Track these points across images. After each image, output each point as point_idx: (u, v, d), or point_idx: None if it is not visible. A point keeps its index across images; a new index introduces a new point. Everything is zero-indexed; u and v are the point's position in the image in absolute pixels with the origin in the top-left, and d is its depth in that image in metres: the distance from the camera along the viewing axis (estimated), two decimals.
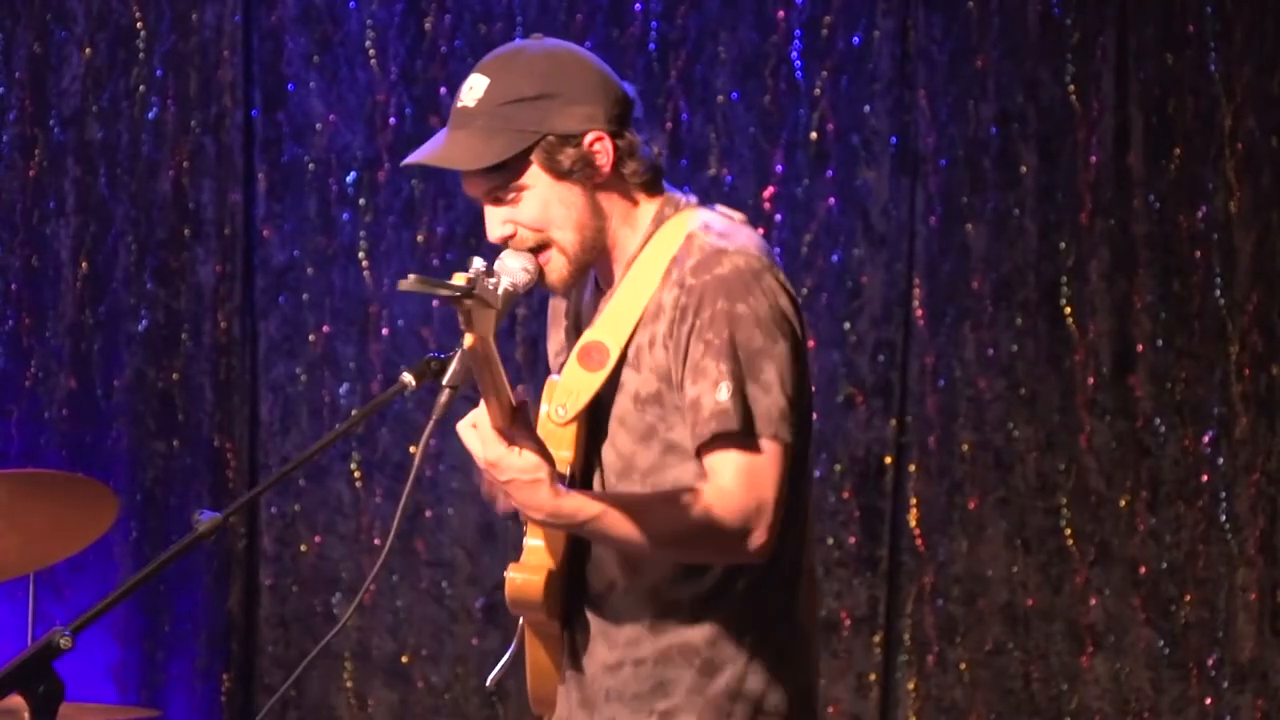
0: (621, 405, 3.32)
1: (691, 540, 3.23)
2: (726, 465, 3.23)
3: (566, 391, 3.30)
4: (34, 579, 5.32)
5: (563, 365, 3.42)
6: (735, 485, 3.22)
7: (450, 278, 2.96)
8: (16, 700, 2.98)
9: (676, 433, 3.30)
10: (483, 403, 3.14)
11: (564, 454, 3.29)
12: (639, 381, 3.30)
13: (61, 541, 5.21)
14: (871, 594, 6.02)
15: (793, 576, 3.37)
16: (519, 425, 3.16)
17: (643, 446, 3.32)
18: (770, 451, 3.24)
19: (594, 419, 3.33)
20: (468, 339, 3.03)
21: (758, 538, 3.23)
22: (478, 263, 3.00)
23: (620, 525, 3.21)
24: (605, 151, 3.30)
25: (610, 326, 3.32)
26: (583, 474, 3.33)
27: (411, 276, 2.92)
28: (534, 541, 3.32)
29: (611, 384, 3.31)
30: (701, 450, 3.25)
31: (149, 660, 6.09)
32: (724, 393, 3.21)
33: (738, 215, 3.40)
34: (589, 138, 3.29)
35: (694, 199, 3.40)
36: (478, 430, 3.16)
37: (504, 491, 3.18)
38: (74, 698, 4.59)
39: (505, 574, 3.31)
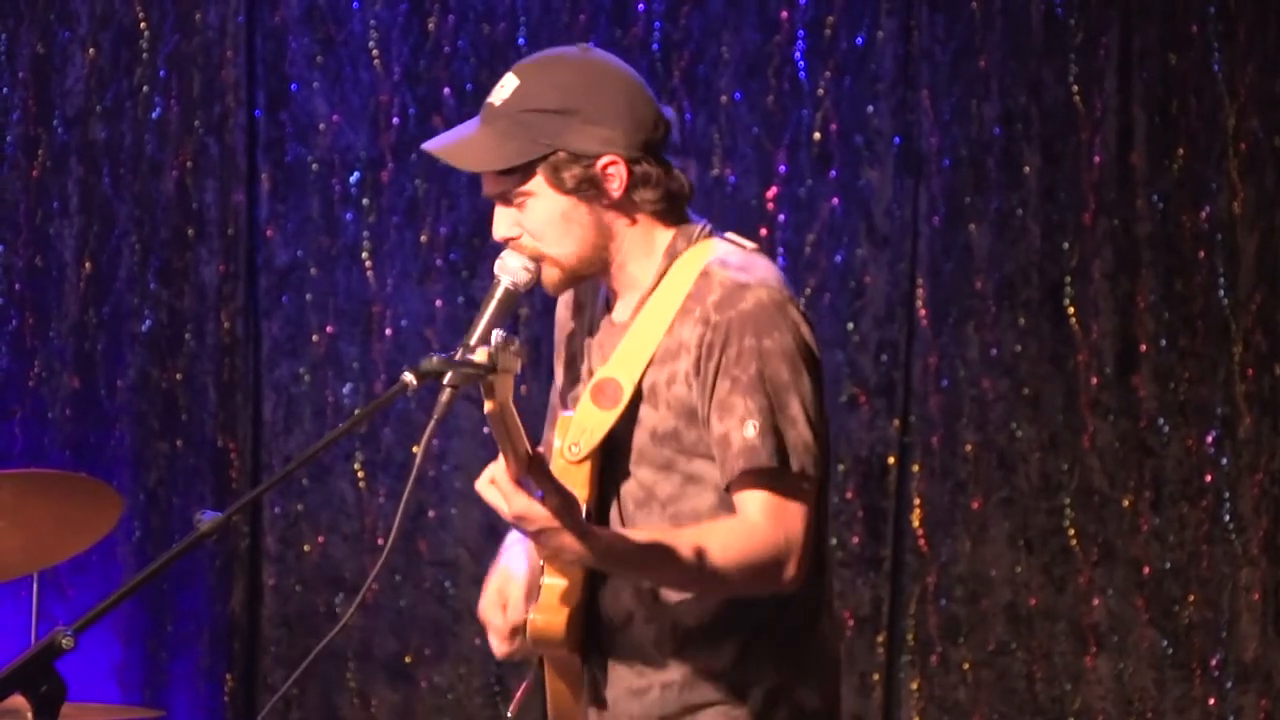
0: (639, 441, 3.32)
1: (723, 577, 3.23)
2: (755, 502, 3.24)
3: (580, 429, 3.30)
4: (37, 579, 5.32)
5: (571, 388, 3.43)
6: (765, 521, 3.23)
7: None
8: (19, 700, 2.98)
9: (696, 465, 3.31)
10: (499, 458, 3.14)
11: (579, 491, 3.28)
12: (656, 419, 3.31)
13: (65, 541, 5.21)
14: (875, 594, 6.02)
15: (813, 598, 3.38)
16: (537, 473, 3.15)
17: (663, 476, 3.32)
18: (798, 486, 3.25)
19: (608, 455, 3.33)
20: (488, 405, 3.06)
21: (788, 572, 3.25)
22: (497, 334, 3.05)
23: (652, 563, 3.21)
24: (618, 176, 3.29)
25: (624, 363, 3.31)
26: (598, 509, 3.34)
27: (434, 359, 3.04)
28: (551, 581, 3.31)
29: (627, 421, 3.31)
30: (731, 485, 3.26)
31: (152, 660, 6.09)
32: (751, 429, 3.23)
33: (750, 245, 3.39)
34: (602, 160, 3.28)
35: (707, 227, 3.39)
36: (497, 485, 3.15)
37: (534, 540, 3.19)
38: (77, 698, 4.59)
39: (527, 616, 3.32)
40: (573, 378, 3.47)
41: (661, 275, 3.34)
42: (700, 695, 3.35)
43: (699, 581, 3.25)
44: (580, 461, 3.29)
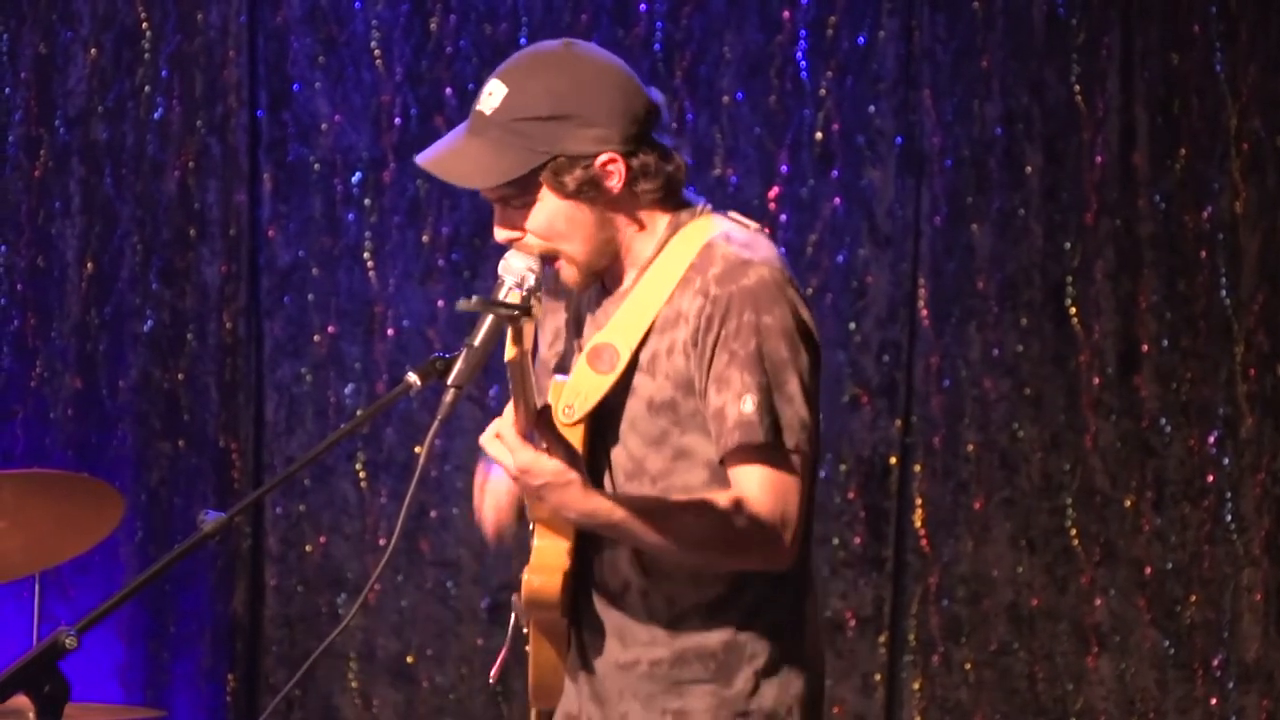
0: (633, 409, 3.33)
1: (718, 547, 3.25)
2: (752, 476, 3.26)
3: (574, 392, 3.31)
4: (39, 579, 5.32)
5: (561, 360, 3.44)
6: (762, 496, 3.25)
7: (497, 291, 3.18)
8: (22, 700, 2.98)
9: (688, 439, 3.31)
10: (506, 411, 3.15)
11: None
12: (653, 388, 3.31)
13: (67, 541, 5.21)
14: (877, 594, 6.02)
15: (800, 581, 3.39)
16: (544, 428, 3.17)
17: (654, 450, 3.33)
18: (793, 463, 3.27)
19: (600, 420, 3.33)
20: (511, 351, 3.08)
21: (783, 547, 3.26)
22: (530, 279, 3.13)
23: (649, 528, 3.22)
24: (617, 173, 3.30)
25: (622, 330, 3.32)
26: (589, 475, 3.32)
27: (474, 298, 3.08)
28: (544, 542, 3.32)
29: (621, 387, 3.32)
30: (726, 459, 3.28)
31: (154, 660, 6.09)
32: (749, 404, 3.24)
33: (753, 224, 3.41)
34: (600, 159, 3.29)
35: (708, 205, 3.40)
36: (503, 438, 3.16)
37: (536, 495, 3.19)
38: (79, 698, 4.58)
39: (522, 576, 3.32)
40: (561, 348, 3.47)
41: (663, 245, 3.35)
42: (689, 673, 3.36)
43: (695, 550, 3.27)
44: (574, 425, 3.29)
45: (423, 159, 3.36)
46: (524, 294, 3.08)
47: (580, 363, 3.33)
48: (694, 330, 3.28)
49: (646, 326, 3.32)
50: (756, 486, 3.25)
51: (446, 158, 3.35)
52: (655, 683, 3.36)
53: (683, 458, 3.32)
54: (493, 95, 3.32)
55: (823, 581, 5.96)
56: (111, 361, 6.12)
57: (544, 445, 3.17)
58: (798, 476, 3.27)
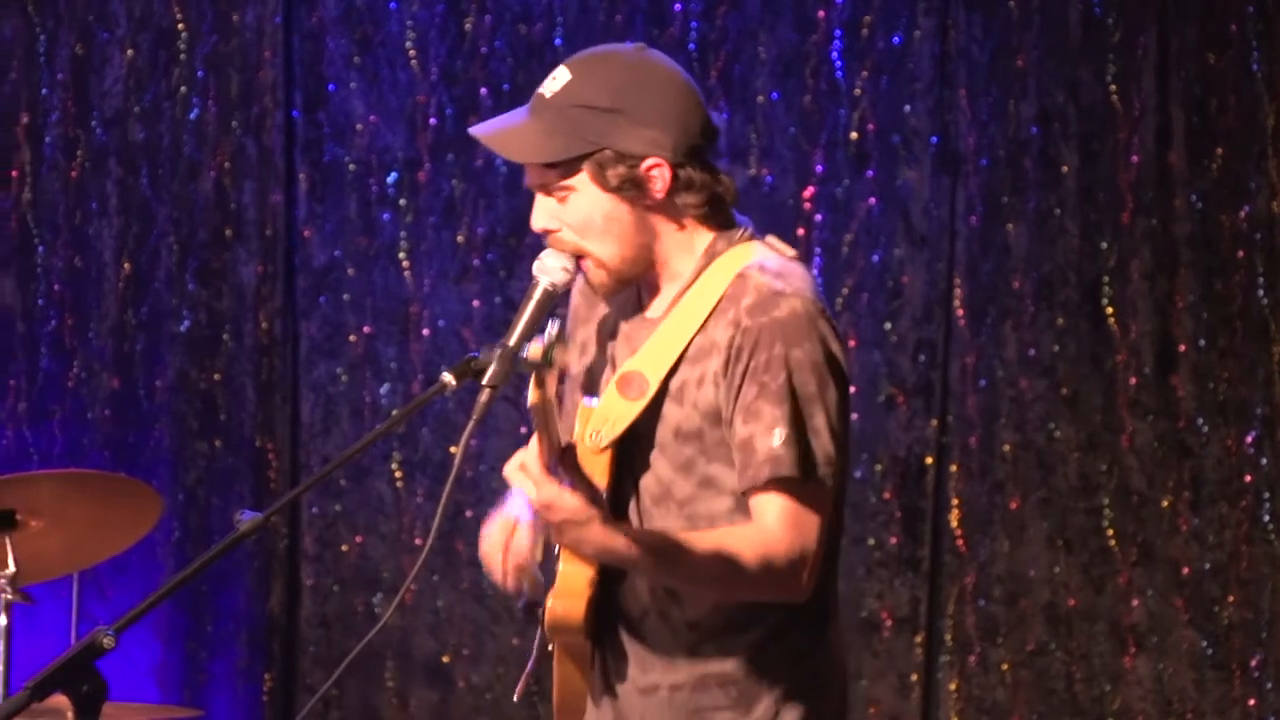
0: (662, 436, 3.33)
1: (734, 582, 3.25)
2: (774, 509, 3.26)
3: (603, 419, 3.32)
4: (78, 579, 5.34)
5: (590, 377, 3.44)
6: (781, 529, 3.25)
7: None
8: (60, 700, 2.99)
9: (714, 468, 3.32)
10: (531, 442, 3.16)
11: (597, 480, 3.31)
12: (681, 416, 3.32)
13: (105, 541, 5.22)
14: (913, 594, 6.01)
15: (824, 606, 3.39)
16: (567, 465, 3.19)
17: (681, 476, 3.33)
18: (816, 496, 3.27)
19: (629, 446, 3.34)
20: (533, 395, 3.10)
21: (800, 580, 3.26)
22: (552, 326, 3.11)
23: (666, 563, 3.23)
24: (661, 178, 3.30)
25: (652, 358, 3.33)
26: (614, 499, 3.34)
27: (497, 350, 3.14)
28: (569, 567, 3.32)
29: (650, 414, 3.32)
30: (750, 491, 3.28)
31: (191, 660, 6.11)
32: (778, 438, 3.24)
33: (790, 251, 3.39)
34: (647, 162, 3.29)
35: (749, 229, 3.40)
36: (527, 471, 3.17)
37: (555, 529, 3.19)
38: (117, 697, 4.59)
39: (546, 602, 3.33)
40: (591, 368, 3.48)
41: (698, 274, 3.35)
42: (709, 699, 3.36)
43: (713, 584, 3.28)
44: (601, 451, 3.31)
45: (476, 129, 3.37)
46: (545, 345, 3.08)
47: (610, 389, 3.34)
48: (724, 361, 3.29)
49: (677, 355, 3.32)
50: (778, 520, 3.25)
51: (498, 131, 3.36)
52: (676, 709, 3.37)
53: (708, 486, 3.33)
54: (556, 80, 3.33)
55: (858, 582, 5.96)
56: (148, 361, 6.14)
57: (566, 481, 3.18)
58: (820, 511, 3.27)
